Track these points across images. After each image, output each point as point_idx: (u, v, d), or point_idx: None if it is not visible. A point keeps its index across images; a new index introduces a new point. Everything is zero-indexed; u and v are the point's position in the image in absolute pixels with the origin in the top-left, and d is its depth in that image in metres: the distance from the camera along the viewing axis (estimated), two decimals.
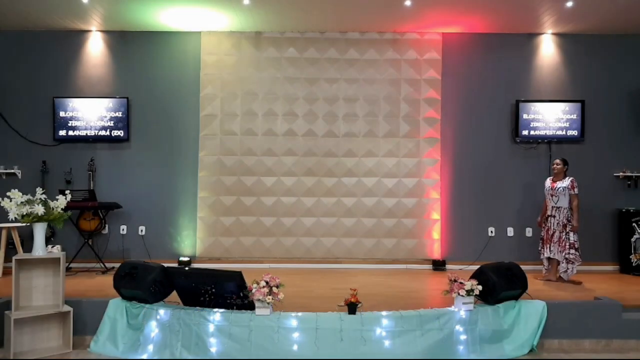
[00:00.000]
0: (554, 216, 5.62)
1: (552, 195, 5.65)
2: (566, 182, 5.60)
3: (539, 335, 4.04)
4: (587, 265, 6.62)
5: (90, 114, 6.70)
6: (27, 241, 6.08)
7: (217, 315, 3.82)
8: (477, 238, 6.70)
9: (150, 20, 6.47)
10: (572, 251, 5.48)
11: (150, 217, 6.73)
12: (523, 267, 4.41)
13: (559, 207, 5.60)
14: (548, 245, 5.65)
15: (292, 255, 6.74)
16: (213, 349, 3.75)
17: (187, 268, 5.26)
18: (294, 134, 6.81)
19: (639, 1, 5.78)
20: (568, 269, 5.51)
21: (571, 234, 5.52)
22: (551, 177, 5.80)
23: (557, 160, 5.74)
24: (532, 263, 6.11)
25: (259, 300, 3.75)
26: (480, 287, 3.96)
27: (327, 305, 4.02)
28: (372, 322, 3.79)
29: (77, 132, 6.69)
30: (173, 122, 6.81)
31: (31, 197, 3.92)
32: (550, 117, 6.74)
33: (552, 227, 5.63)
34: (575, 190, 5.57)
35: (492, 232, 6.74)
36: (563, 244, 5.51)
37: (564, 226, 5.55)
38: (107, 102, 6.72)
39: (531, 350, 4.00)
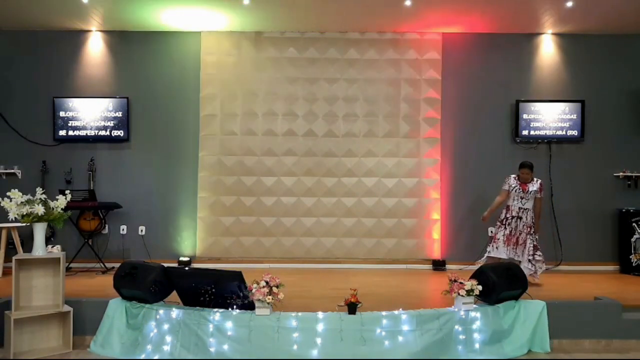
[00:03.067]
0: (521, 217, 5.46)
1: (521, 198, 5.48)
2: (536, 185, 5.48)
3: (548, 335, 4.04)
4: (587, 265, 6.66)
5: (90, 114, 6.70)
6: (27, 241, 6.08)
7: (217, 315, 3.82)
8: (477, 238, 6.68)
9: (150, 20, 6.47)
10: (539, 252, 5.43)
11: (150, 217, 6.74)
12: None
13: (526, 209, 5.47)
14: (509, 247, 5.44)
15: (292, 256, 6.74)
16: (213, 349, 3.75)
17: (187, 268, 5.27)
18: (294, 134, 6.82)
19: (639, 1, 5.78)
20: (537, 269, 5.38)
21: (535, 235, 5.47)
22: (515, 176, 5.56)
23: (526, 170, 5.46)
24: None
25: (259, 300, 3.74)
26: (480, 287, 3.96)
27: (327, 305, 4.02)
28: (372, 322, 3.78)
29: (77, 132, 6.70)
30: (173, 122, 6.81)
31: (31, 197, 3.92)
32: (550, 117, 6.74)
33: (517, 229, 5.45)
34: (542, 193, 5.52)
35: (492, 232, 6.71)
36: (530, 245, 5.40)
37: (530, 227, 5.45)
38: (107, 102, 6.72)
39: (529, 351, 4.00)
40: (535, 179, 5.52)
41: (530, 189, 5.46)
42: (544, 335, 4.04)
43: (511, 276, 4.15)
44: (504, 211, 5.58)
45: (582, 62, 6.85)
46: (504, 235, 5.49)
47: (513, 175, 5.60)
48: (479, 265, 5.35)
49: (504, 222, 5.54)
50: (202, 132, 6.80)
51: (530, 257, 5.37)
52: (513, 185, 5.53)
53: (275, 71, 6.84)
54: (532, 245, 5.42)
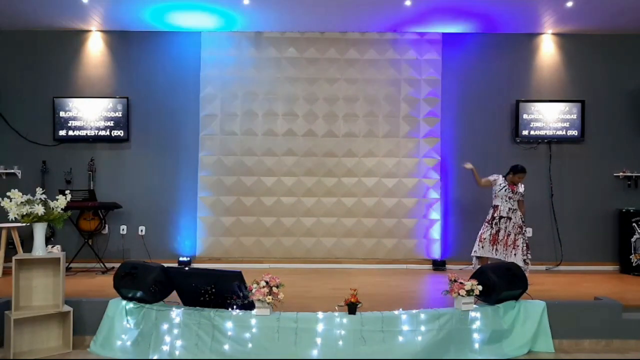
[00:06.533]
0: (510, 218, 5.43)
1: (509, 198, 5.45)
2: (522, 187, 5.50)
3: (550, 335, 4.04)
4: (587, 265, 6.67)
5: (90, 114, 6.70)
6: (27, 241, 6.08)
7: (217, 315, 3.82)
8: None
9: (150, 20, 6.47)
10: (529, 252, 5.41)
11: (150, 217, 6.74)
12: None
13: (515, 209, 5.45)
14: (495, 247, 5.40)
15: (292, 256, 6.74)
16: (213, 349, 3.75)
17: (187, 268, 5.27)
18: (294, 134, 6.82)
19: (639, 1, 5.78)
20: (526, 270, 5.25)
21: (525, 234, 5.44)
22: (502, 177, 5.56)
23: (524, 175, 5.47)
24: (532, 263, 6.09)
25: (259, 300, 3.74)
26: (480, 287, 3.96)
27: (327, 305, 4.01)
28: (372, 322, 3.78)
29: (77, 132, 6.70)
30: (173, 122, 6.81)
31: (31, 197, 3.92)
32: (550, 117, 6.75)
33: (507, 230, 5.41)
34: (524, 195, 5.55)
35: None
36: (522, 245, 5.37)
37: (520, 227, 5.43)
38: (107, 102, 6.72)
39: (530, 351, 4.00)
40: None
41: (518, 190, 5.48)
42: (547, 336, 4.04)
43: (511, 276, 4.15)
44: (492, 211, 5.54)
45: (582, 62, 6.85)
46: (490, 235, 5.46)
47: (502, 176, 5.59)
48: (475, 267, 5.39)
49: (490, 222, 5.50)
50: (202, 132, 6.80)
51: (525, 257, 5.36)
52: (502, 185, 5.51)
53: (275, 71, 6.84)
54: (525, 245, 5.40)
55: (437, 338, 3.81)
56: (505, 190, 5.47)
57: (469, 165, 5.66)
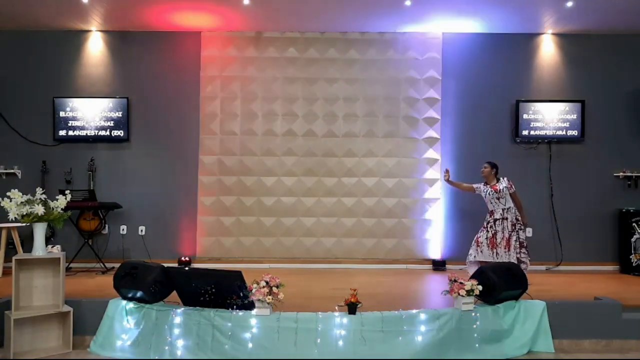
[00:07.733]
0: (506, 218, 5.39)
1: (498, 199, 5.43)
2: (504, 182, 5.46)
3: (551, 335, 4.04)
4: (587, 265, 6.66)
5: (90, 114, 6.70)
6: (27, 241, 6.08)
7: (217, 315, 3.82)
8: None
9: (150, 20, 6.47)
10: (524, 250, 5.34)
11: (150, 217, 6.74)
12: None
13: (509, 208, 5.41)
14: (495, 250, 5.36)
15: (292, 255, 6.74)
16: (213, 349, 3.75)
17: (187, 268, 5.26)
18: (294, 134, 6.82)
19: (639, 1, 5.78)
20: (526, 269, 5.16)
21: (520, 232, 5.39)
22: (483, 183, 5.57)
23: (485, 165, 5.52)
24: (532, 263, 6.09)
25: (259, 300, 3.74)
26: (480, 287, 3.95)
27: (327, 305, 4.01)
28: (372, 322, 3.78)
29: (77, 132, 6.70)
30: (173, 122, 6.81)
31: (31, 197, 3.91)
32: (550, 117, 6.75)
33: (504, 231, 5.37)
34: (513, 188, 5.45)
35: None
36: (515, 243, 5.33)
37: (514, 225, 5.38)
38: (107, 102, 6.72)
39: (529, 351, 4.00)
40: (502, 178, 5.51)
41: (500, 188, 5.44)
42: (547, 336, 4.04)
43: (511, 276, 4.15)
44: (488, 216, 5.53)
45: (582, 62, 6.85)
46: (486, 238, 5.44)
47: (481, 184, 5.59)
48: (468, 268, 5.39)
49: (486, 226, 5.49)
50: (202, 132, 6.80)
51: (518, 255, 5.30)
52: (485, 190, 5.52)
53: (275, 71, 6.84)
54: (517, 243, 5.36)
55: (437, 338, 3.81)
56: (489, 193, 5.49)
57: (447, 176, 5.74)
